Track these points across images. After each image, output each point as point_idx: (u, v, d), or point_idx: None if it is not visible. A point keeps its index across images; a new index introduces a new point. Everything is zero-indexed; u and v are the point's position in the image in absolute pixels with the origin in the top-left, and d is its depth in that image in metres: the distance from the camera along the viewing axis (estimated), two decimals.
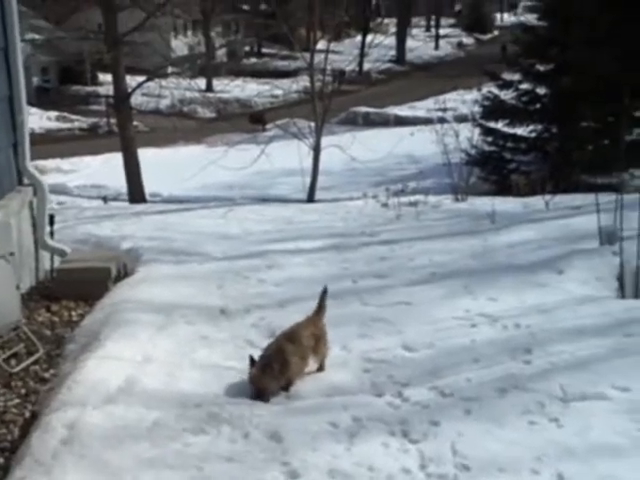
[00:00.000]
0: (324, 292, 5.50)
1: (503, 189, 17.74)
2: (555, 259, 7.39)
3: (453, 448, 4.21)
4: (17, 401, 5.06)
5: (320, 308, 5.46)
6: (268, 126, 34.61)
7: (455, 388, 4.92)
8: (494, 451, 4.17)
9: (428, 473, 4.02)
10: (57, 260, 7.75)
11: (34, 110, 34.31)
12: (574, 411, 4.56)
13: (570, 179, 15.44)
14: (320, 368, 5.29)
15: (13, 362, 5.56)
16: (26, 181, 7.61)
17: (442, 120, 20.81)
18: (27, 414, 4.88)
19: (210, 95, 47.13)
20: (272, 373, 4.88)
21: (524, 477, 3.94)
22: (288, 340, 5.13)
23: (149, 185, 22.60)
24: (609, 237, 7.57)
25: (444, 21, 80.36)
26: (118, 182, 23.49)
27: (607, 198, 8.25)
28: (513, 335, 5.77)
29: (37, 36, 31.67)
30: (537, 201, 10.71)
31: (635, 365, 5.12)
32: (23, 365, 5.53)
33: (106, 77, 40.69)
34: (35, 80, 43.12)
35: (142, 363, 5.28)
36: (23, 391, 5.21)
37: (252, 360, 4.95)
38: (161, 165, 26.54)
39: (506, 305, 6.35)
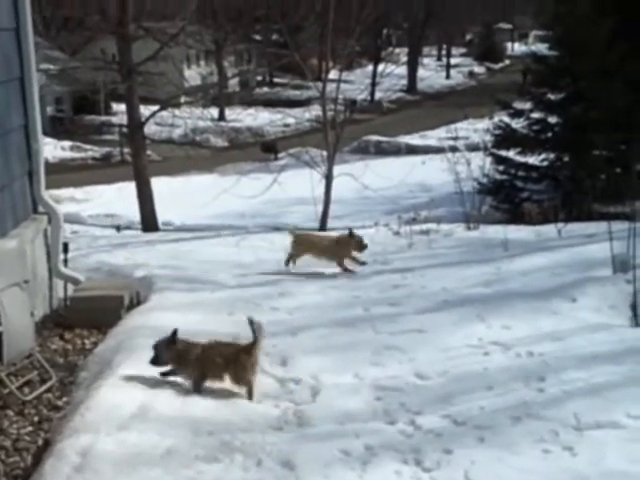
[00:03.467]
0: (251, 322, 5.47)
1: (515, 217, 17.72)
2: (568, 287, 7.36)
3: (466, 476, 4.20)
4: (30, 429, 5.07)
5: (256, 339, 5.42)
6: (280, 155, 34.75)
7: (468, 416, 4.90)
8: (507, 479, 4.14)
9: None
10: (70, 288, 7.78)
11: (48, 140, 34.52)
12: (588, 439, 4.53)
13: (582, 208, 15.41)
14: (249, 396, 5.29)
15: (27, 390, 5.58)
16: (41, 209, 7.67)
17: (454, 149, 20.86)
18: (40, 442, 4.89)
19: (222, 124, 47.40)
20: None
21: None
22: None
23: (162, 214, 22.65)
24: (622, 265, 7.55)
25: (455, 50, 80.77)
26: (131, 211, 23.57)
27: (620, 226, 8.25)
28: (526, 363, 5.75)
29: (52, 66, 31.99)
30: (549, 229, 10.71)
31: None
32: (36, 393, 5.54)
33: (120, 106, 41.06)
34: (49, 110, 43.48)
35: (155, 390, 5.28)
36: (36, 419, 5.22)
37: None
38: (174, 194, 26.62)
39: (519, 333, 6.34)
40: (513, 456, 4.39)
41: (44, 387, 5.64)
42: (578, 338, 6.16)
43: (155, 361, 5.39)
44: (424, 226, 11.92)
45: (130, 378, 5.44)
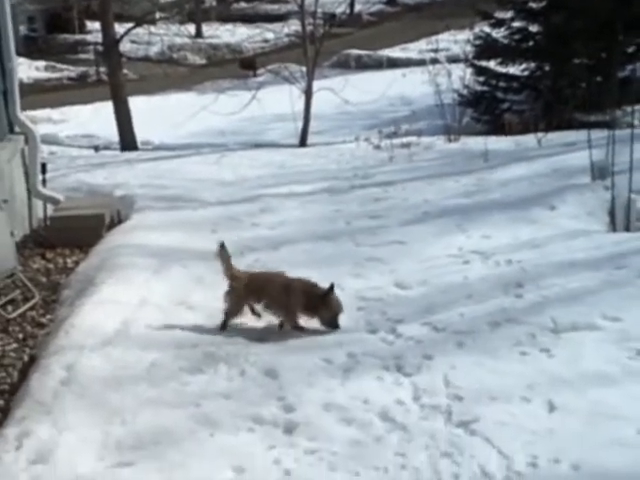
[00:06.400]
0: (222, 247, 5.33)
1: (496, 129, 17.63)
2: (547, 195, 7.42)
3: (446, 380, 4.28)
4: (15, 345, 5.13)
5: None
6: (259, 71, 34.24)
7: (448, 323, 4.99)
8: (486, 382, 4.23)
9: (422, 404, 4.09)
10: (50, 208, 7.75)
11: (22, 60, 33.70)
12: (565, 341, 4.62)
13: (563, 117, 15.36)
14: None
15: (10, 308, 5.63)
16: (17, 130, 7.58)
17: (434, 61, 20.61)
18: (26, 358, 4.95)
19: (200, 41, 46.51)
20: None
21: (515, 405, 4.00)
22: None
23: (140, 133, 22.38)
24: (601, 172, 7.60)
25: None
26: (109, 131, 23.25)
27: (599, 134, 8.26)
28: (505, 271, 5.82)
29: None
30: (529, 139, 10.71)
31: (626, 296, 5.19)
32: (20, 311, 5.59)
33: (94, 25, 40.08)
34: (22, 29, 42.47)
35: (138, 306, 5.33)
36: (21, 336, 5.28)
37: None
38: (152, 113, 26.22)
39: (498, 241, 6.40)
40: (491, 360, 4.48)
41: (27, 305, 5.69)
42: (556, 245, 6.23)
43: None
44: (405, 139, 11.87)
45: (113, 295, 5.49)
